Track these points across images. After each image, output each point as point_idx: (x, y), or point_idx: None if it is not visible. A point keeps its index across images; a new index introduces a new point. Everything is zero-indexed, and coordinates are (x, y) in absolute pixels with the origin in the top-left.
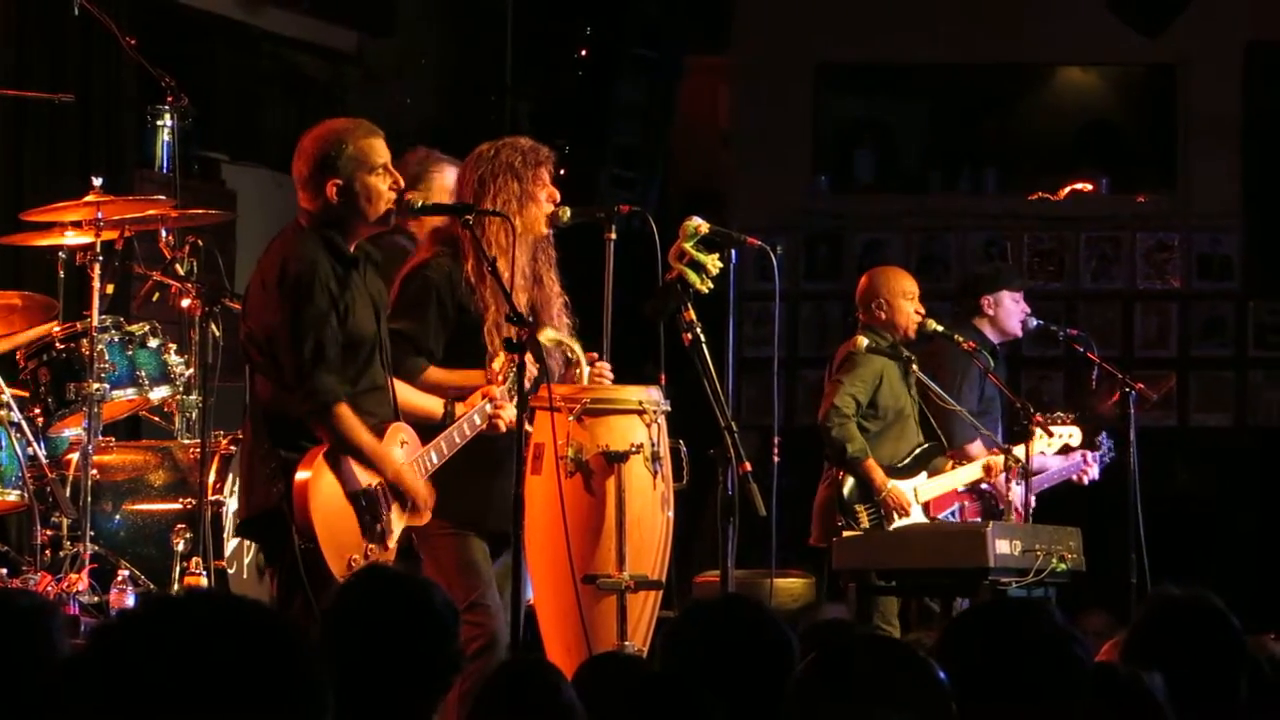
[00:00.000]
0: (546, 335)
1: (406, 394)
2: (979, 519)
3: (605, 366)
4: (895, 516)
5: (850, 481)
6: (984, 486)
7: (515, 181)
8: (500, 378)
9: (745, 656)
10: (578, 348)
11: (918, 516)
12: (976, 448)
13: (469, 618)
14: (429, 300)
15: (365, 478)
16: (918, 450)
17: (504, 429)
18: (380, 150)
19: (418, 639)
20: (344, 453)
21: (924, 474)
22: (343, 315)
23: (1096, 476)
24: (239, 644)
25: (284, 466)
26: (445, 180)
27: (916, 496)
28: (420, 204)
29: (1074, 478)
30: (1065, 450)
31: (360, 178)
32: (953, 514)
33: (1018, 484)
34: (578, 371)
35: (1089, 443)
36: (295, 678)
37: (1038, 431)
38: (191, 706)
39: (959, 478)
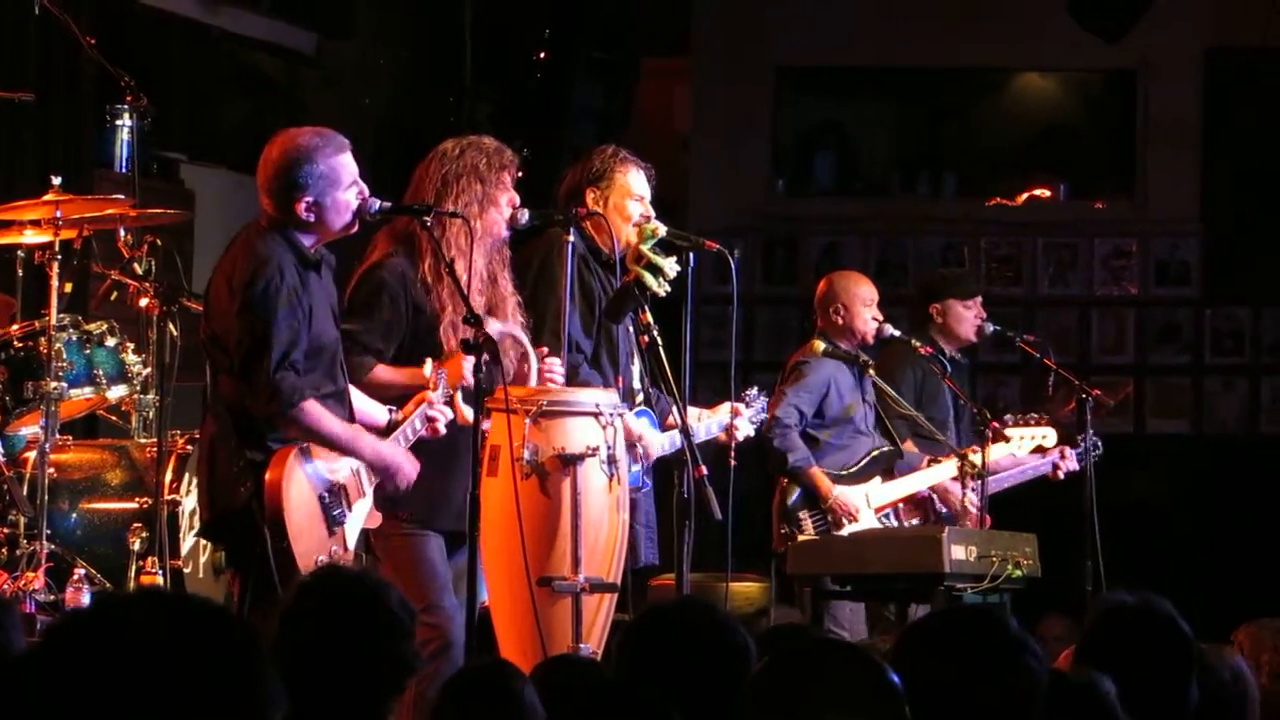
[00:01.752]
0: (490, 326)
1: (354, 398)
2: (916, 523)
3: (555, 362)
4: (844, 523)
5: (796, 490)
6: (924, 493)
7: (479, 184)
8: (433, 383)
9: (702, 660)
10: (527, 341)
11: (869, 521)
12: (907, 448)
13: (425, 619)
14: (380, 299)
15: (329, 476)
16: (870, 456)
17: (442, 432)
18: (350, 166)
19: (374, 639)
20: (318, 444)
21: (878, 479)
22: (307, 319)
23: (1075, 467)
24: (190, 643)
25: (251, 466)
26: (628, 181)
27: (869, 502)
28: (379, 205)
29: (1048, 473)
30: (1039, 450)
31: (331, 195)
32: (887, 518)
33: (973, 490)
34: (527, 367)
35: (1069, 442)
36: (247, 677)
37: (1021, 433)
38: (143, 704)
39: (913, 483)
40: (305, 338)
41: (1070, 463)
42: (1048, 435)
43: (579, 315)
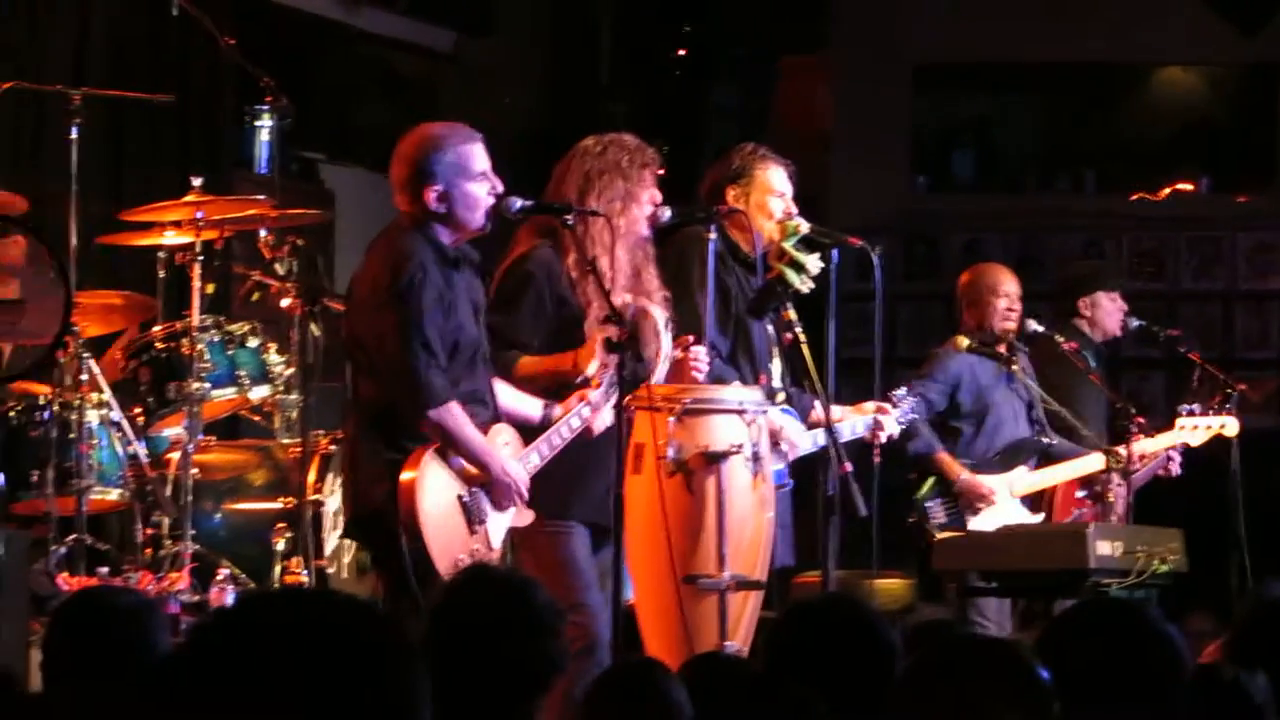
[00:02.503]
0: (623, 299)
1: (505, 396)
2: (1083, 513)
3: (701, 350)
4: (979, 507)
5: (930, 480)
6: (1096, 488)
7: (621, 181)
8: (596, 381)
9: (849, 657)
10: (664, 330)
11: (1013, 509)
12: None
13: (571, 617)
14: (526, 293)
15: (471, 477)
16: (1009, 446)
17: (599, 431)
18: (480, 156)
19: (521, 638)
20: (452, 450)
21: (1022, 468)
22: (449, 315)
23: (1178, 472)
24: (336, 641)
25: (389, 467)
26: (769, 178)
27: (1011, 490)
28: (519, 204)
29: (1160, 471)
30: (1217, 438)
31: (460, 184)
32: (1079, 515)
33: (1119, 485)
34: (658, 345)
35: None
36: (394, 675)
37: (1183, 425)
38: (288, 703)
39: (1060, 473)
40: (448, 335)
41: (1175, 466)
42: (1226, 424)
43: (716, 313)
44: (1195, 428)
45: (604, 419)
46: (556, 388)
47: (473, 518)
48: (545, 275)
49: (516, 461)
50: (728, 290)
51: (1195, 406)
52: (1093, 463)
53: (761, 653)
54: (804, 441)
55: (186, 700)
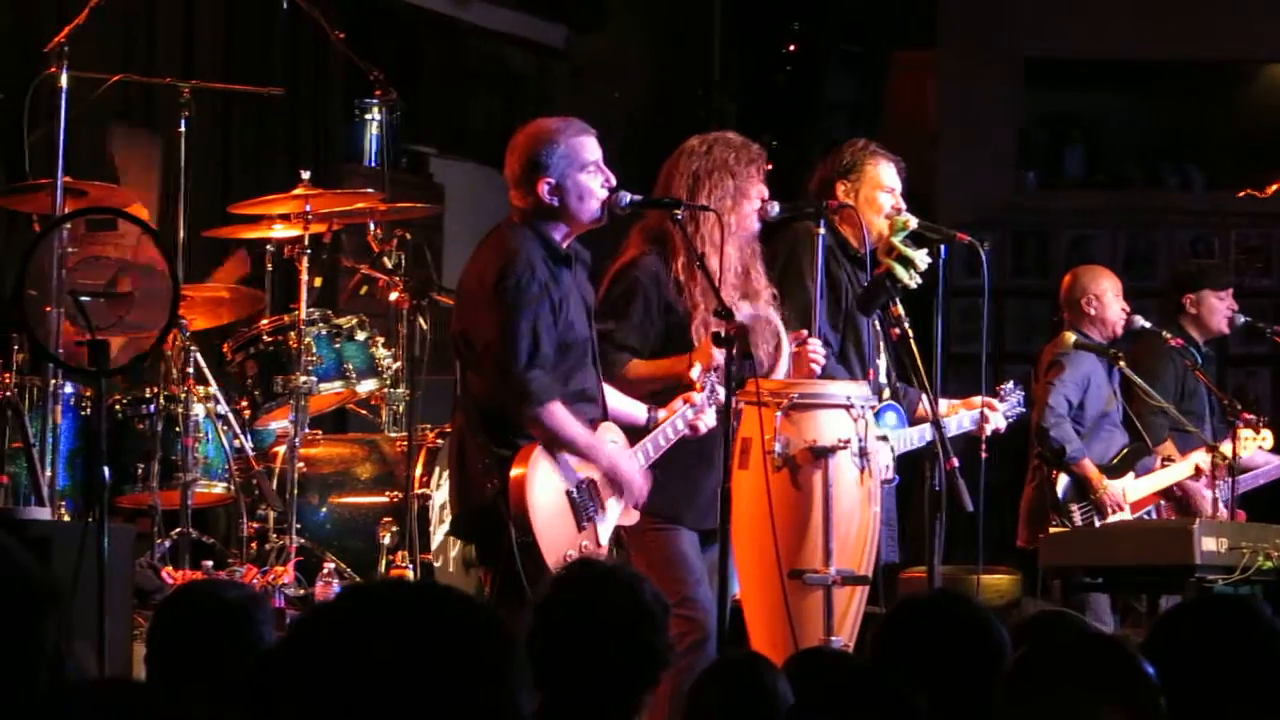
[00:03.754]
0: (740, 312)
1: (611, 399)
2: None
3: (816, 343)
4: (1110, 513)
5: (1063, 480)
6: (1178, 491)
7: (730, 178)
8: (700, 384)
9: (958, 653)
10: (783, 328)
11: (1124, 516)
12: (1168, 448)
13: (681, 612)
14: (634, 299)
15: (579, 472)
16: (1126, 450)
17: (703, 432)
18: (592, 148)
19: (629, 633)
20: (558, 448)
21: (1131, 474)
22: (557, 314)
23: None
24: (438, 633)
25: (498, 463)
26: (878, 173)
27: (1125, 497)
28: (629, 199)
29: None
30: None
31: (572, 176)
32: (1149, 514)
33: (1224, 481)
34: (780, 354)
35: None
36: (497, 667)
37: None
38: (392, 695)
39: (1166, 478)
40: (555, 333)
41: None
42: (1266, 439)
43: (826, 308)
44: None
45: (708, 420)
46: (666, 391)
47: (581, 514)
48: (652, 282)
49: (630, 457)
50: (839, 285)
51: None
52: (1186, 467)
53: (870, 648)
54: (899, 445)
55: (292, 693)
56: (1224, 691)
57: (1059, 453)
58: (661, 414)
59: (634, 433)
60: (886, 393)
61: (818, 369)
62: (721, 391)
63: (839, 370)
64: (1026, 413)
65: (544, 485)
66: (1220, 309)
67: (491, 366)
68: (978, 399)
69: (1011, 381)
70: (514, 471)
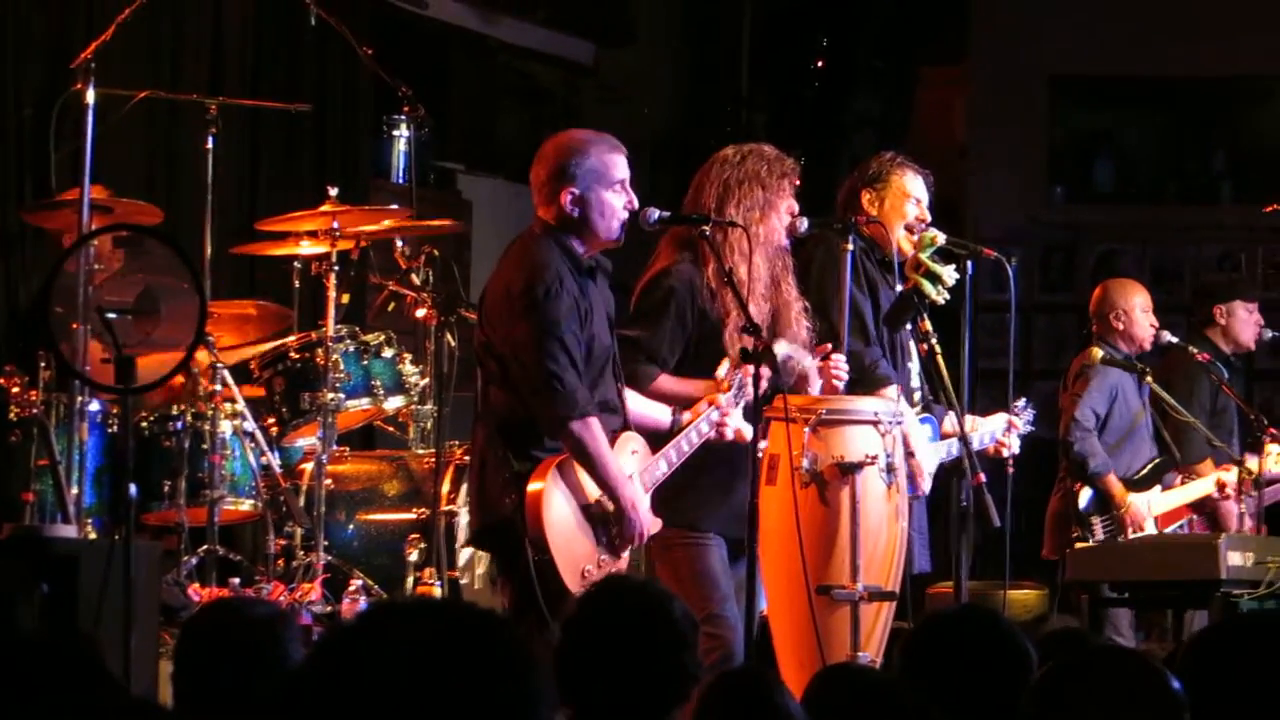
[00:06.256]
0: (778, 348)
1: (635, 403)
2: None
3: (840, 358)
4: (1132, 531)
5: (1086, 493)
6: (1210, 505)
7: (760, 190)
8: (726, 384)
9: (985, 667)
10: (808, 361)
11: (1149, 530)
12: (1207, 466)
13: (707, 629)
14: (668, 308)
15: (597, 488)
16: (1152, 464)
17: (730, 437)
18: (621, 166)
19: (656, 650)
20: (584, 464)
21: (1157, 488)
22: (584, 325)
23: None
24: (457, 650)
25: (517, 477)
26: (904, 183)
27: (1149, 510)
28: (657, 215)
29: None
30: None
31: (596, 190)
32: (1181, 528)
33: (1250, 496)
34: (807, 387)
35: None
36: (516, 685)
37: (1270, 444)
38: (412, 712)
39: (1191, 493)
40: (582, 345)
41: None
42: None
43: (869, 311)
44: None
45: (734, 423)
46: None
47: (600, 528)
48: (687, 290)
49: (645, 504)
50: (877, 289)
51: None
52: (1209, 483)
53: (897, 663)
54: (930, 461)
55: (317, 711)
56: (1253, 711)
57: (1082, 466)
58: (686, 416)
59: (657, 438)
60: (918, 401)
61: (840, 384)
62: (750, 390)
63: (895, 375)
64: (1035, 430)
65: (561, 501)
66: (1249, 322)
67: (522, 380)
68: (999, 416)
69: (1023, 400)
70: (531, 487)
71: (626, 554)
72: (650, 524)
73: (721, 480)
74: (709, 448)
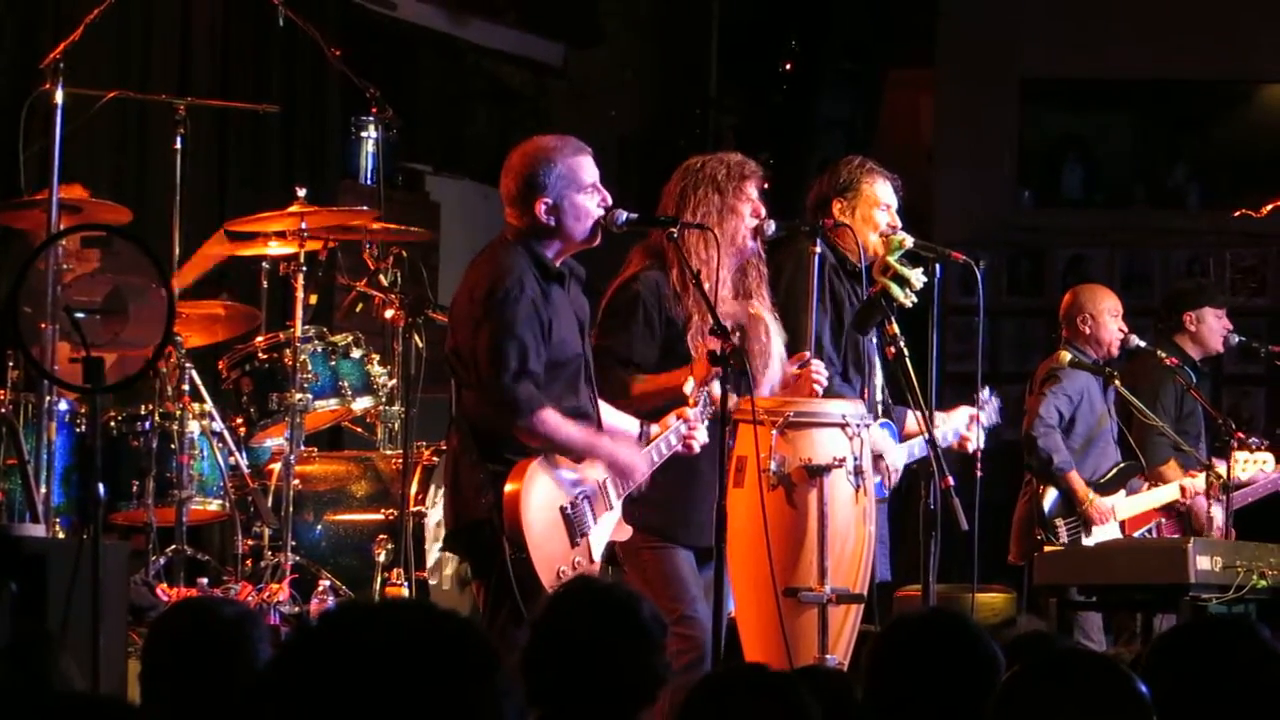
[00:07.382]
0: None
1: (604, 414)
2: (1177, 536)
3: (819, 364)
4: (1097, 524)
5: (1051, 494)
6: (1180, 507)
7: (716, 194)
8: (693, 400)
9: (951, 671)
10: (775, 328)
11: (1113, 531)
12: (1171, 469)
13: (679, 630)
14: (636, 313)
15: (575, 489)
16: (1118, 468)
17: (697, 450)
18: (589, 168)
19: (626, 651)
20: (558, 451)
21: (1122, 492)
22: (546, 331)
23: None
24: (422, 651)
25: (492, 478)
26: (875, 190)
27: (1114, 514)
28: (625, 217)
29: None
30: None
31: (569, 196)
32: (1149, 532)
33: (1218, 501)
34: (766, 359)
35: None
36: (481, 686)
37: (1237, 449)
38: (377, 713)
39: (1155, 498)
40: (544, 350)
41: None
42: (1267, 461)
43: (829, 326)
44: (1248, 463)
45: (701, 436)
46: (667, 406)
47: (575, 530)
48: (654, 296)
49: (629, 447)
50: (841, 303)
51: (1254, 440)
52: (1175, 490)
53: (864, 666)
54: (898, 460)
55: (283, 711)
56: (1219, 713)
57: (1046, 462)
58: (654, 429)
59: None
60: (881, 410)
61: (820, 390)
62: (716, 403)
63: (845, 389)
64: (1001, 423)
65: (538, 501)
66: (1218, 328)
67: (479, 382)
68: (961, 409)
69: (986, 389)
70: (508, 487)
71: (600, 556)
72: (645, 465)
73: (688, 490)
74: (674, 458)
